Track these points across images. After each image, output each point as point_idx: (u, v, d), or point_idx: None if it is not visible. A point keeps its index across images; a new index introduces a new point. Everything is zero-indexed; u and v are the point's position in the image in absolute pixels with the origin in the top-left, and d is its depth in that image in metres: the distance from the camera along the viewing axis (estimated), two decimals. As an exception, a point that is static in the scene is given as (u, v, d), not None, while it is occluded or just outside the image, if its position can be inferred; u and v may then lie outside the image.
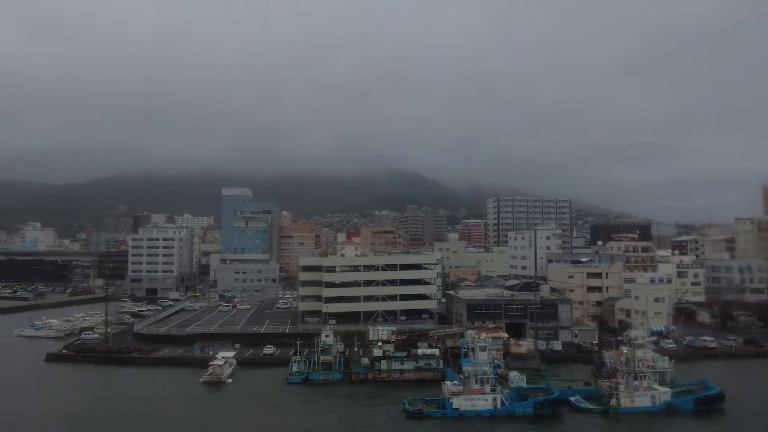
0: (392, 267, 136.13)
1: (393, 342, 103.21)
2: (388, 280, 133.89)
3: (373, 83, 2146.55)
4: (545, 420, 76.97)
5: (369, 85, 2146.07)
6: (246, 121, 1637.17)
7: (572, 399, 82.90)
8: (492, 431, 74.31)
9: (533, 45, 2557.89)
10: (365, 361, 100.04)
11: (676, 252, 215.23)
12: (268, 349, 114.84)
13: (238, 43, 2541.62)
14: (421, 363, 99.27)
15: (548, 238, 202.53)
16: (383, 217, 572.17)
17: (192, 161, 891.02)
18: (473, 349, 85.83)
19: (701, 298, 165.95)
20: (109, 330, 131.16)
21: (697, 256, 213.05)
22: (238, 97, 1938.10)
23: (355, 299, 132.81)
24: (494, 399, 79.36)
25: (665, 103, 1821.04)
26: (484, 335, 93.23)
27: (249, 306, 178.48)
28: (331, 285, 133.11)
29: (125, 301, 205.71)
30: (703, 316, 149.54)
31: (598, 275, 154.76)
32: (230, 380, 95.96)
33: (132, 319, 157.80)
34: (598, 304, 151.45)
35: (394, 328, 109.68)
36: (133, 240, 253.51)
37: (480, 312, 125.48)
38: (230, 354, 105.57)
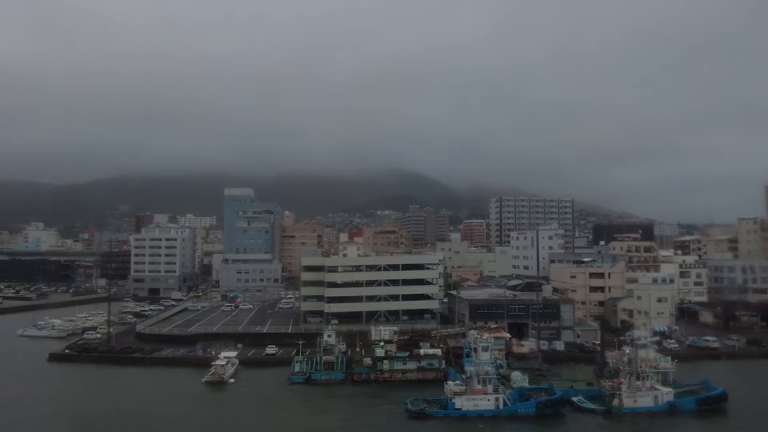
0: (394, 267, 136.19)
1: (395, 342, 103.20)
2: (390, 280, 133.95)
3: (376, 83, 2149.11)
4: (547, 420, 76.91)
5: (371, 85, 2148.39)
6: (248, 121, 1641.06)
7: (575, 399, 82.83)
8: (494, 431, 74.31)
9: (536, 44, 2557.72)
10: (367, 361, 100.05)
11: (679, 252, 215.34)
12: (271, 349, 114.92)
13: (240, 43, 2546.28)
14: (424, 363, 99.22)
15: (551, 238, 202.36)
16: (385, 217, 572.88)
17: (194, 161, 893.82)
18: (475, 349, 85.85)
19: (704, 299, 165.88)
20: (111, 330, 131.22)
21: (700, 256, 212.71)
22: (240, 98, 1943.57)
23: (357, 299, 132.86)
24: (496, 399, 79.32)
25: (668, 103, 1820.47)
26: (486, 335, 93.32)
27: (251, 306, 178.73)
28: (333, 285, 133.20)
29: (128, 301, 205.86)
30: (706, 317, 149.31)
31: (601, 275, 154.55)
32: (232, 380, 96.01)
33: (134, 319, 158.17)
34: (601, 304, 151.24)
35: (396, 328, 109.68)
36: (136, 240, 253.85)
37: (482, 312, 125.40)
38: (232, 354, 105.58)
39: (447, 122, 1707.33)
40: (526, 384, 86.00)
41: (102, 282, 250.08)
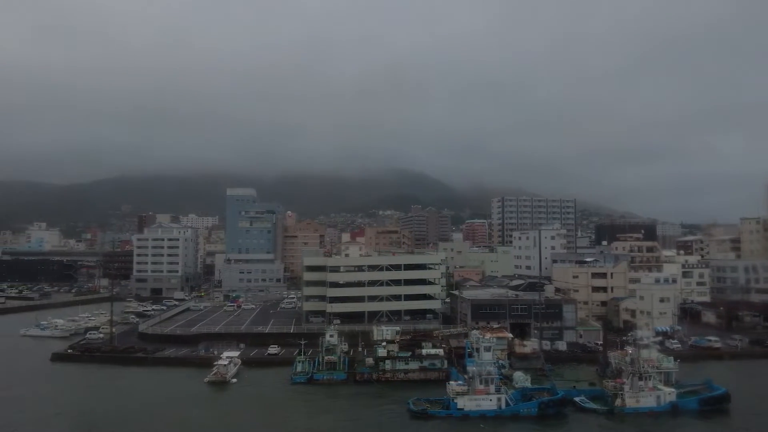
0: (396, 267, 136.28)
1: (397, 342, 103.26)
2: (392, 280, 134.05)
3: (378, 83, 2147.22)
4: (550, 420, 76.86)
5: (373, 85, 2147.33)
6: (250, 121, 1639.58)
7: (577, 399, 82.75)
8: (496, 431, 74.28)
9: (537, 45, 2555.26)
10: (369, 361, 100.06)
11: (681, 252, 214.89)
12: (273, 349, 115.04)
13: (241, 43, 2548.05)
14: (426, 363, 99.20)
15: (553, 238, 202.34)
16: (387, 217, 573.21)
17: (197, 161, 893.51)
18: (478, 350, 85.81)
19: (706, 299, 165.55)
20: (114, 330, 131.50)
21: (703, 256, 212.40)
22: (242, 98, 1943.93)
23: (359, 299, 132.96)
24: (499, 399, 79.28)
25: (670, 103, 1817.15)
26: (488, 335, 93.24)
27: (253, 306, 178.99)
28: (335, 285, 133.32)
29: (130, 301, 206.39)
30: (709, 317, 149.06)
31: (603, 275, 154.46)
32: (235, 380, 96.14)
33: (137, 319, 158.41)
34: (603, 304, 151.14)
35: (398, 328, 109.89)
36: (138, 240, 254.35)
37: (484, 312, 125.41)
38: (235, 354, 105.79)
39: (449, 122, 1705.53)
40: (528, 384, 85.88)
41: (104, 282, 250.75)
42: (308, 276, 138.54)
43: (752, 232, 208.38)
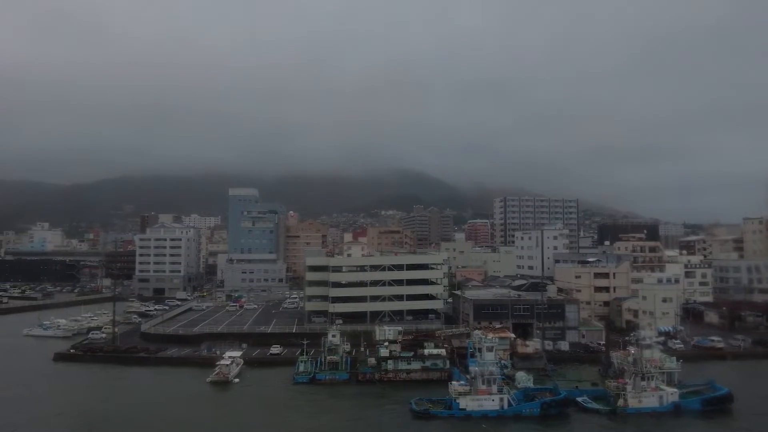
0: (399, 267, 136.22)
1: (399, 342, 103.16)
2: (394, 280, 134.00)
3: (380, 83, 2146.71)
4: (552, 421, 76.73)
5: (375, 85, 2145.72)
6: (252, 121, 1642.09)
7: (579, 399, 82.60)
8: (498, 431, 74.21)
9: (539, 45, 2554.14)
10: (372, 361, 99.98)
11: (684, 252, 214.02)
12: (275, 349, 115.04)
13: (243, 42, 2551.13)
14: (428, 363, 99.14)
15: (555, 238, 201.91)
16: (390, 217, 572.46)
17: (199, 162, 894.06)
18: (480, 350, 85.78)
19: (709, 299, 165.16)
20: (116, 330, 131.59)
21: (705, 256, 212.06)
22: (244, 98, 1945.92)
23: (361, 299, 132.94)
24: (501, 399, 79.16)
25: (672, 103, 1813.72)
26: (490, 335, 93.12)
27: (256, 306, 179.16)
28: (337, 285, 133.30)
29: (133, 300, 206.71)
30: (711, 317, 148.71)
31: (606, 275, 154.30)
32: (237, 380, 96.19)
33: (139, 319, 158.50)
34: (606, 304, 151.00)
35: (400, 328, 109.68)
36: (141, 240, 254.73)
37: (487, 312, 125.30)
38: (237, 354, 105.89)
39: (451, 122, 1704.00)
40: (530, 384, 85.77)
41: (107, 282, 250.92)
42: (310, 276, 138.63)
43: (755, 232, 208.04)
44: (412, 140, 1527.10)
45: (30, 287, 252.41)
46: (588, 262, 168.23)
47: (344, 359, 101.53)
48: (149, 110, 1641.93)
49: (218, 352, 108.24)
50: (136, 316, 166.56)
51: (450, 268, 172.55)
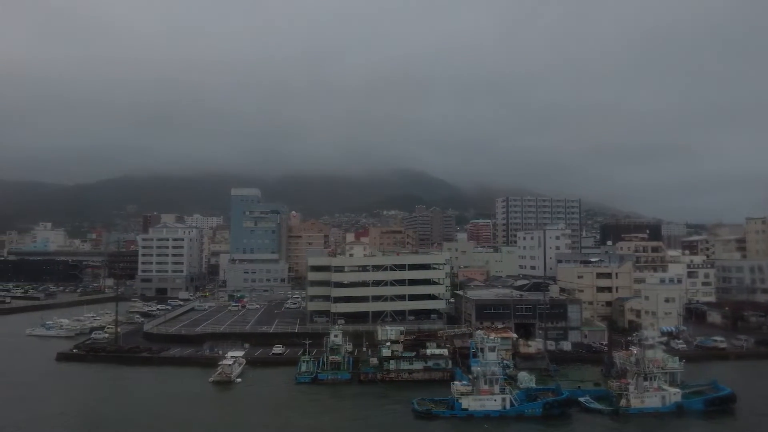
0: (401, 267, 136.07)
1: (402, 342, 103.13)
2: (396, 280, 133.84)
3: (381, 83, 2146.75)
4: (554, 421, 76.68)
5: (377, 85, 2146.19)
6: (255, 121, 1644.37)
7: (582, 400, 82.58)
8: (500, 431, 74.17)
9: (541, 44, 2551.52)
10: (374, 361, 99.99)
11: (687, 252, 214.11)
12: (277, 349, 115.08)
13: (246, 43, 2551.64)
14: (430, 363, 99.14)
15: (557, 238, 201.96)
16: (392, 217, 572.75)
17: (201, 162, 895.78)
18: (482, 350, 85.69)
19: (712, 299, 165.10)
20: (119, 329, 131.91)
21: (708, 256, 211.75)
22: (247, 98, 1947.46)
23: (363, 299, 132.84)
24: (503, 399, 79.13)
25: (675, 103, 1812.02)
26: (493, 335, 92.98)
27: (258, 306, 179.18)
28: (339, 285, 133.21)
29: (135, 300, 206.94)
30: (714, 317, 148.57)
31: (608, 275, 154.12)
32: (239, 380, 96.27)
33: (142, 319, 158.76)
34: (608, 304, 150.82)
35: (402, 328, 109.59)
36: (143, 240, 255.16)
37: (489, 312, 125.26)
38: (239, 353, 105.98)
39: (453, 122, 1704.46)
40: (533, 384, 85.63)
41: (110, 282, 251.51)
42: (312, 276, 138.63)
43: (758, 232, 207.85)
44: (413, 140, 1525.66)
45: (33, 287, 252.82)
46: (590, 262, 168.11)
47: (346, 359, 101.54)
48: (152, 110, 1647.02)
49: (220, 352, 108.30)
50: (138, 316, 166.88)
51: (452, 268, 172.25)
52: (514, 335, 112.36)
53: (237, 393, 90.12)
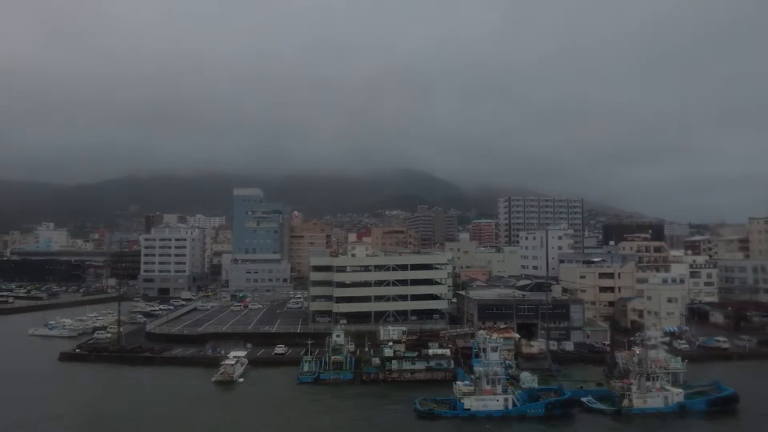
0: (403, 267, 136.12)
1: (404, 342, 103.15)
2: (398, 280, 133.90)
3: (384, 83, 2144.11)
4: (557, 421, 76.67)
5: (379, 85, 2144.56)
6: (257, 121, 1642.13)
7: (584, 400, 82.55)
8: (503, 432, 74.22)
9: (543, 44, 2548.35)
10: (376, 361, 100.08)
11: (689, 252, 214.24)
12: (280, 349, 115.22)
13: (248, 44, 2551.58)
14: (432, 363, 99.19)
15: (560, 238, 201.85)
16: (394, 217, 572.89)
17: (204, 161, 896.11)
18: (484, 350, 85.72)
19: (714, 299, 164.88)
20: (121, 329, 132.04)
21: (711, 256, 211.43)
22: (249, 98, 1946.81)
23: (365, 299, 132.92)
24: (505, 400, 79.17)
25: (678, 102, 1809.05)
26: (495, 335, 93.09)
27: (260, 306, 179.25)
28: (341, 285, 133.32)
29: (138, 300, 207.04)
30: (717, 317, 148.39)
31: (611, 275, 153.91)
32: (241, 379, 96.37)
33: (144, 319, 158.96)
34: (611, 304, 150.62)
35: (404, 328, 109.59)
36: (146, 240, 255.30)
37: (491, 312, 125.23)
38: (242, 353, 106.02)
39: (455, 122, 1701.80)
40: (535, 384, 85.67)
41: (112, 282, 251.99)
42: (315, 276, 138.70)
43: (761, 232, 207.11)
44: (415, 140, 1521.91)
45: (35, 287, 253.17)
46: (593, 262, 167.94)
47: (348, 359, 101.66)
48: (154, 110, 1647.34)
49: (223, 352, 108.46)
50: (141, 315, 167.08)
51: (454, 268, 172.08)
52: (517, 335, 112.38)
53: (239, 393, 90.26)
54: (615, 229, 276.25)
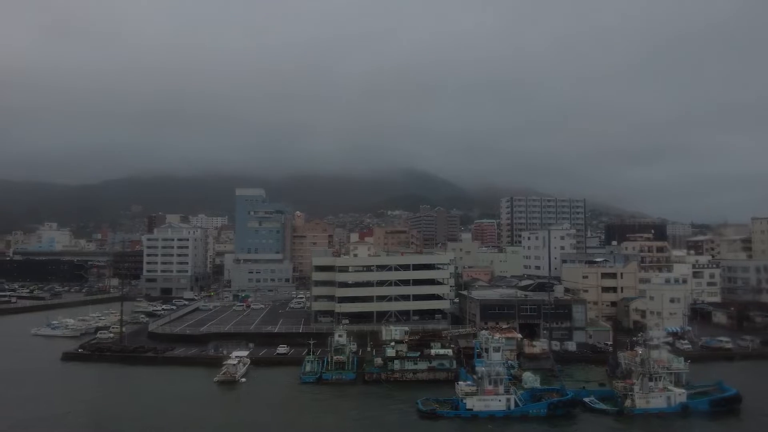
0: (405, 267, 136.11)
1: (406, 342, 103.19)
2: (401, 280, 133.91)
3: (386, 83, 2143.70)
4: (559, 421, 76.56)
5: (381, 85, 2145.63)
6: (259, 121, 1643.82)
7: (586, 400, 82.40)
8: (505, 432, 74.14)
9: (546, 45, 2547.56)
10: (378, 361, 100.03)
11: (692, 252, 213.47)
12: (282, 349, 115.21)
13: (249, 43, 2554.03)
14: (435, 363, 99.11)
15: (562, 238, 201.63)
16: (396, 217, 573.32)
17: (206, 161, 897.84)
18: (487, 350, 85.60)
19: (717, 299, 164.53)
20: (124, 329, 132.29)
21: (713, 256, 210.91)
22: (251, 98, 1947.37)
23: (368, 299, 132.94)
24: (508, 400, 79.06)
25: (680, 102, 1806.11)
26: (497, 336, 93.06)
27: (262, 306, 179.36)
28: (344, 285, 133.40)
29: (140, 300, 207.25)
30: (719, 317, 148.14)
31: (613, 275, 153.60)
32: (244, 379, 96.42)
33: (147, 319, 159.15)
34: (613, 304, 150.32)
35: (407, 328, 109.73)
36: (148, 240, 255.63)
37: (493, 312, 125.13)
38: (244, 353, 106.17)
39: (457, 122, 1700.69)
40: (537, 385, 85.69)
41: (115, 282, 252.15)
42: (317, 276, 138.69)
43: (763, 231, 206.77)
44: (418, 140, 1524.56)
45: (38, 287, 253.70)
46: (595, 262, 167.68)
47: (351, 359, 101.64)
48: (156, 111, 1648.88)
49: (225, 352, 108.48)
50: (143, 315, 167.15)
51: (456, 268, 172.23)
52: (519, 335, 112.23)
53: (241, 393, 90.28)
54: (617, 229, 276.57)
